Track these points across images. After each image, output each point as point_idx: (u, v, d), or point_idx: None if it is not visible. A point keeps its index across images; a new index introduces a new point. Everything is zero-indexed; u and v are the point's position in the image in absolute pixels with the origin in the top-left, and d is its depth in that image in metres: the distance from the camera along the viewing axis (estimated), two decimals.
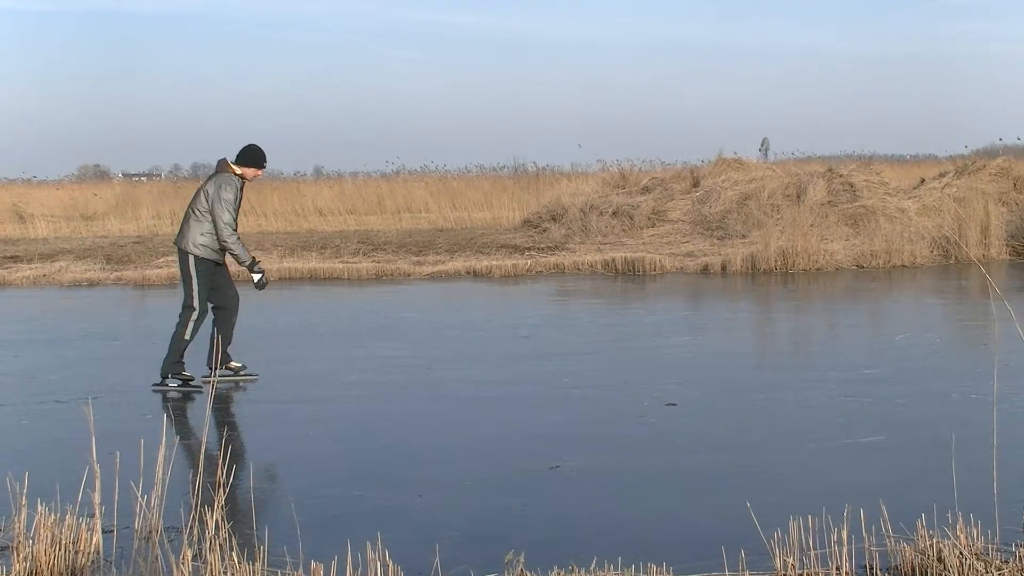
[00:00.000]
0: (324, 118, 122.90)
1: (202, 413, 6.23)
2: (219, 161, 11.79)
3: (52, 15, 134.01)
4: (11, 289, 22.23)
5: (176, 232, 11.86)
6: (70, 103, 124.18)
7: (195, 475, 5.95)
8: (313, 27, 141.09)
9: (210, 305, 11.57)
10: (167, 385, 11.20)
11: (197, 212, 11.48)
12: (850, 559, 5.59)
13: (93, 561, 5.93)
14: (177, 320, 11.51)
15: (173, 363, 11.29)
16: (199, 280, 11.47)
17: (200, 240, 11.43)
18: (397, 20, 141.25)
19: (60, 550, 5.82)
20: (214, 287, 11.61)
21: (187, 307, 11.48)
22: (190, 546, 5.75)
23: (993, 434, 6.27)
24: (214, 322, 11.59)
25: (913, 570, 5.62)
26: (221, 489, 5.98)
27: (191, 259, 11.46)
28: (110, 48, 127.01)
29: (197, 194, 11.65)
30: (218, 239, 11.43)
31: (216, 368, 10.53)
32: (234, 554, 5.55)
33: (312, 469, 8.14)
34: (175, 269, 22.96)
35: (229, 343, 11.61)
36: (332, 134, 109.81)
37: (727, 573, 5.61)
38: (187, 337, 11.36)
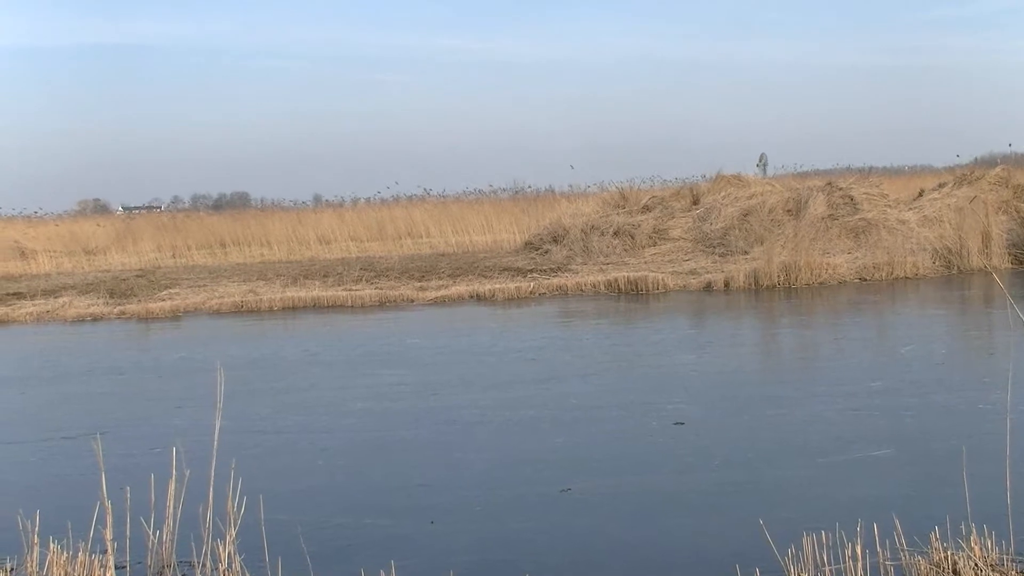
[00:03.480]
0: (322, 146, 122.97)
1: (209, 446, 6.22)
2: None
3: (45, 51, 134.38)
4: (15, 326, 22.23)
5: None
6: (67, 138, 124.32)
7: (205, 508, 5.93)
8: (306, 56, 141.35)
9: None
10: None
11: None
12: (865, 574, 5.57)
13: None
14: None
15: None
16: None
17: None
18: (388, 46, 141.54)
19: None
20: None
21: None
22: None
23: (1007, 444, 6.25)
24: None
25: None
26: (232, 522, 5.97)
27: None
28: (105, 82, 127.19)
29: None
30: None
31: None
32: None
33: (322, 499, 8.14)
34: (178, 302, 23.05)
35: None
36: (330, 162, 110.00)
37: None
38: None
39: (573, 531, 7.08)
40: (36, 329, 21.60)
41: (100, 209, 67.66)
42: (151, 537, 6.11)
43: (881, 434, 9.15)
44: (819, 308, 19.21)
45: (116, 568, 6.06)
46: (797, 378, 12.59)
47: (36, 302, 24.70)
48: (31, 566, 5.83)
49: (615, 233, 27.87)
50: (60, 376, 14.94)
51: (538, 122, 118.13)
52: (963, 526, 5.80)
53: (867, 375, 11.97)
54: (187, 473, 6.07)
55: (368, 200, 47.58)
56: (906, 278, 22.25)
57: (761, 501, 7.43)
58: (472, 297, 22.64)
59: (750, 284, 21.86)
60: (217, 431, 6.21)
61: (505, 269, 26.46)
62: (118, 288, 26.31)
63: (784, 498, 7.58)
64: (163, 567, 6.13)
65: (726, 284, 22.01)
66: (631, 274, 23.08)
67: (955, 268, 22.78)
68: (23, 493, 8.56)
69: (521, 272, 25.79)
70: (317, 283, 25.66)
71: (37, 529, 5.97)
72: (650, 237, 27.73)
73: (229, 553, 5.78)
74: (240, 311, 22.44)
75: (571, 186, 41.42)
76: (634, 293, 22.14)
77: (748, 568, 5.73)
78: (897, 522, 5.92)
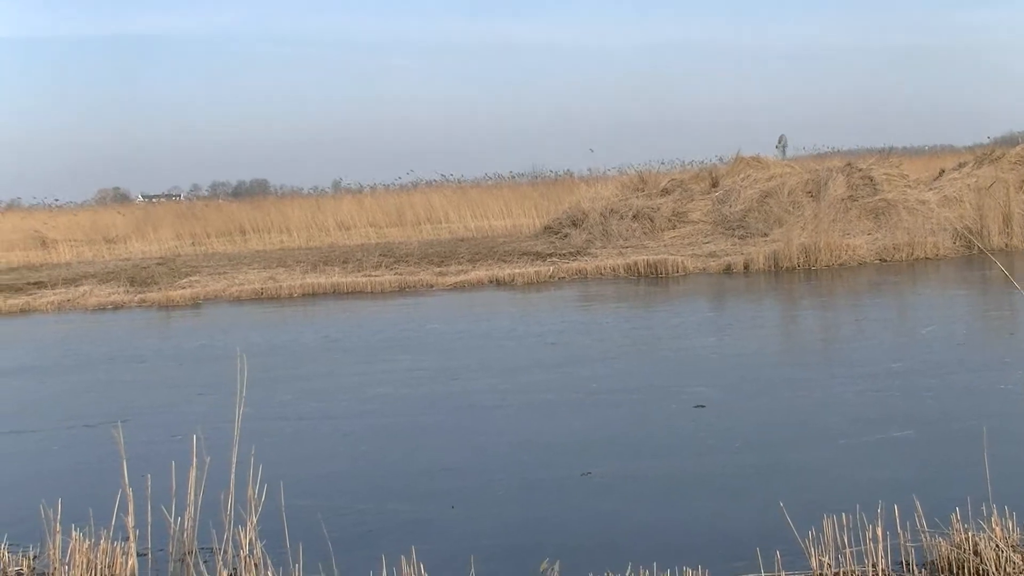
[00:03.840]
0: (340, 132, 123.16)
1: (230, 433, 6.23)
2: None
3: (62, 42, 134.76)
4: (37, 315, 22.34)
5: None
6: (86, 128, 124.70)
7: (226, 495, 5.95)
8: (322, 43, 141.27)
9: None
10: None
11: None
12: (886, 556, 5.57)
13: None
14: None
15: None
16: None
17: None
18: (404, 31, 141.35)
19: (96, 575, 5.83)
20: None
21: None
22: (225, 566, 5.77)
23: None
24: None
25: (949, 564, 5.60)
26: (253, 508, 5.98)
27: None
28: (123, 71, 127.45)
29: None
30: None
31: None
32: (269, 573, 5.56)
33: (343, 484, 8.16)
34: (198, 289, 23.12)
35: None
36: (349, 148, 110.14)
37: (763, 574, 5.60)
38: None
39: (594, 514, 7.08)
40: (57, 318, 21.70)
41: (120, 198, 67.97)
42: (172, 524, 6.13)
43: (901, 415, 9.13)
44: (839, 289, 19.16)
45: (138, 555, 6.09)
46: (817, 360, 12.56)
47: (57, 291, 24.82)
48: (54, 554, 5.86)
49: (634, 216, 27.83)
50: (81, 364, 15.01)
51: (556, 106, 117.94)
52: (984, 507, 5.78)
53: (887, 356, 11.94)
54: (208, 460, 6.09)
55: (387, 186, 47.63)
56: (926, 259, 22.17)
57: (782, 483, 7.43)
58: (491, 282, 22.64)
59: (770, 266, 21.82)
60: (238, 418, 6.23)
61: (524, 253, 26.46)
62: (139, 276, 26.40)
63: (805, 480, 7.58)
64: (185, 553, 6.15)
65: (746, 266, 21.97)
66: (651, 257, 23.05)
67: (976, 248, 22.68)
68: (45, 481, 8.61)
69: (540, 256, 25.79)
70: (337, 269, 25.71)
71: (59, 517, 6.00)
72: (669, 220, 27.69)
73: (250, 539, 5.80)
74: (260, 298, 22.49)
75: (590, 170, 41.39)
76: (654, 276, 22.12)
77: (769, 550, 5.72)
78: (918, 503, 5.91)
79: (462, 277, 23.14)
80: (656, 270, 22.36)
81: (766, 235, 25.03)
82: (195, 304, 22.09)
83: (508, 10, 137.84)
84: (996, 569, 5.43)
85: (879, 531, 5.61)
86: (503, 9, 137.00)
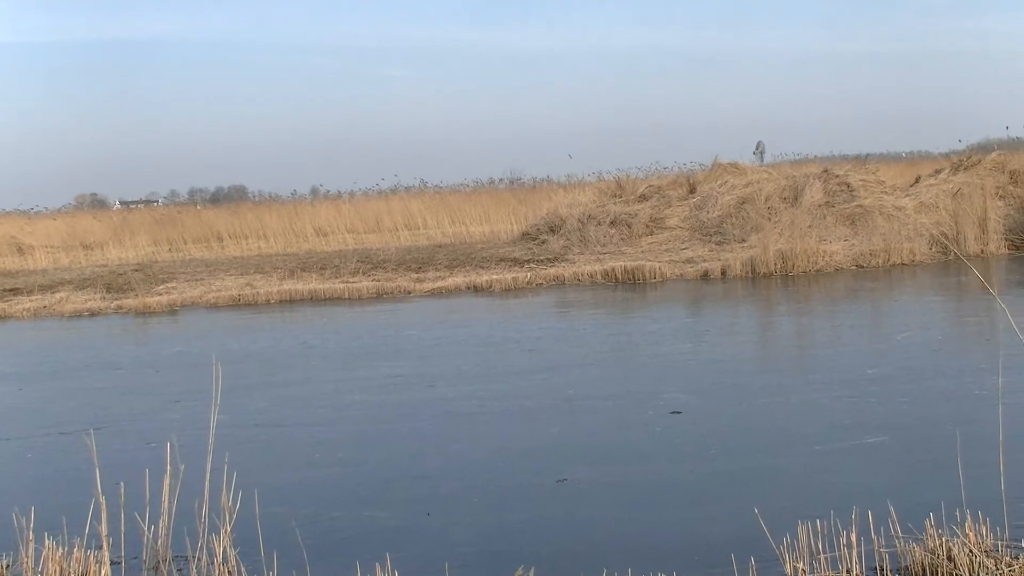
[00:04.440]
0: (319, 138, 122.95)
1: (205, 439, 6.22)
2: None
3: (42, 47, 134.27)
4: (12, 322, 22.22)
5: None
6: (65, 133, 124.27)
7: (201, 503, 5.93)
8: (304, 49, 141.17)
9: None
10: None
11: None
12: (860, 561, 5.58)
13: None
14: None
15: None
16: None
17: None
18: (386, 38, 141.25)
19: None
20: None
21: None
22: (199, 574, 5.75)
23: (1000, 430, 6.25)
24: None
25: (923, 570, 5.62)
26: (228, 516, 5.97)
27: None
28: (103, 77, 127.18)
29: None
30: None
31: None
32: None
33: (319, 491, 8.14)
34: (175, 296, 23.05)
35: None
36: (328, 153, 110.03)
37: None
38: None
39: (570, 521, 7.08)
40: (33, 324, 21.60)
41: (97, 204, 67.82)
42: (146, 532, 6.11)
43: (877, 421, 9.16)
44: (816, 295, 19.21)
45: (111, 563, 6.06)
46: (794, 366, 12.59)
47: (33, 297, 24.69)
48: (26, 562, 5.83)
49: (612, 222, 27.86)
50: (58, 371, 14.94)
51: (537, 113, 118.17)
52: (958, 512, 5.81)
53: (864, 362, 11.97)
54: (182, 467, 6.07)
55: (365, 192, 47.57)
56: (903, 265, 22.25)
57: (757, 489, 7.44)
58: (469, 288, 22.63)
59: (747, 272, 21.87)
60: (213, 425, 6.22)
61: (502, 260, 26.45)
62: (115, 283, 26.27)
63: (780, 486, 7.59)
64: (158, 562, 6.13)
65: (723, 272, 22.02)
66: (628, 263, 23.08)
67: (952, 254, 22.78)
68: (19, 489, 8.56)
69: (518, 263, 25.78)
70: (314, 276, 25.65)
71: (32, 525, 5.97)
72: (647, 226, 27.72)
73: (225, 547, 5.78)
74: (237, 304, 22.44)
75: (568, 176, 41.44)
76: (631, 282, 22.14)
77: (743, 557, 5.73)
78: (892, 509, 5.93)
79: (440, 283, 23.13)
80: (633, 276, 22.38)
81: (743, 241, 25.08)
82: (172, 311, 22.01)
83: (497, 18, 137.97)
84: (969, 574, 5.44)
85: (853, 537, 5.63)
86: (492, 17, 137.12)
